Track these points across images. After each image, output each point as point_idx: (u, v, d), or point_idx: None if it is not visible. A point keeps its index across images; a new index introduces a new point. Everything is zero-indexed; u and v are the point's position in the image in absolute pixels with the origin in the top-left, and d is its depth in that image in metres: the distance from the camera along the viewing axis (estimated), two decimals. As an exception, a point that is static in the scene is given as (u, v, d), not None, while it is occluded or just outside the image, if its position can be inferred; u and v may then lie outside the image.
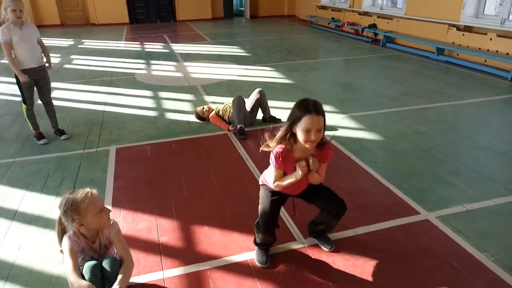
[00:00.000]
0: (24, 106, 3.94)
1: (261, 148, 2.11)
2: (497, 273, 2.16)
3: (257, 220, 2.25)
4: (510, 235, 2.48)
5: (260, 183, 2.30)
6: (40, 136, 4.05)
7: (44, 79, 3.92)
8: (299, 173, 1.97)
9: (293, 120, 1.92)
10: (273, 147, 2.03)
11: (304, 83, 6.18)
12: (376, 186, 3.08)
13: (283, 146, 1.99)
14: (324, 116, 1.91)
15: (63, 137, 4.12)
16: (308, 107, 1.88)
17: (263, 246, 2.31)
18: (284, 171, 2.05)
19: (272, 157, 2.03)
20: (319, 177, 2.08)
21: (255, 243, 2.33)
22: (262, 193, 2.25)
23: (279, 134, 2.01)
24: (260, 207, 2.20)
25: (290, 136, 1.98)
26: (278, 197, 2.18)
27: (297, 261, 2.29)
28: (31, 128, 4.07)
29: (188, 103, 5.25)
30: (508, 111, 4.86)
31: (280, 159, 1.99)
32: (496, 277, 2.13)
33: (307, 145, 1.92)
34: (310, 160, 1.98)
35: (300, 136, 1.91)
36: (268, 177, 2.17)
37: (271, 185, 2.13)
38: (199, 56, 8.52)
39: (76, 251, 1.92)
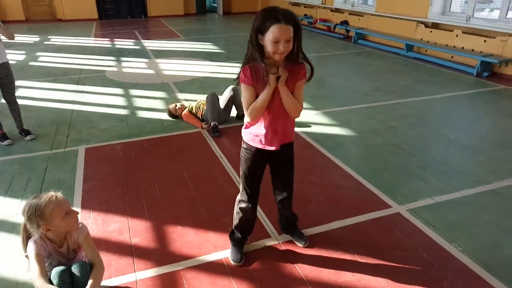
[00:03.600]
0: None
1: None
2: (464, 263, 2.23)
3: (238, 194, 2.23)
4: (477, 226, 2.57)
5: (242, 136, 2.12)
6: (3, 136, 3.87)
7: (6, 77, 3.74)
8: (271, 79, 1.82)
9: (261, 29, 1.74)
10: (242, 66, 1.90)
11: (277, 79, 6.17)
12: (349, 181, 3.12)
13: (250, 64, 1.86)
14: (295, 25, 1.74)
15: (28, 137, 3.95)
16: (276, 16, 1.70)
17: (238, 239, 2.28)
18: (255, 91, 1.89)
19: (241, 76, 1.87)
20: (295, 100, 1.91)
21: (231, 234, 2.31)
22: (241, 157, 2.14)
23: (247, 52, 1.85)
24: (242, 167, 2.14)
25: (257, 49, 1.81)
26: (258, 158, 2.09)
27: (271, 258, 2.29)
28: None
29: (160, 101, 5.16)
30: (474, 105, 5.03)
31: (249, 71, 1.85)
32: (464, 267, 2.20)
33: (275, 57, 1.78)
34: (280, 72, 1.83)
35: (269, 47, 1.76)
36: (245, 120, 2.04)
37: (248, 118, 1.95)
38: (171, 53, 8.38)
39: (42, 256, 1.84)
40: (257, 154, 2.08)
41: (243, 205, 2.20)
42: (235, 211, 2.28)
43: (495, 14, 6.50)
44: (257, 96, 1.90)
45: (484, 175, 3.20)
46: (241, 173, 2.17)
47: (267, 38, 1.75)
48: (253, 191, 2.19)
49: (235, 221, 2.28)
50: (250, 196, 2.18)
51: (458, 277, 2.13)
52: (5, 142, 3.83)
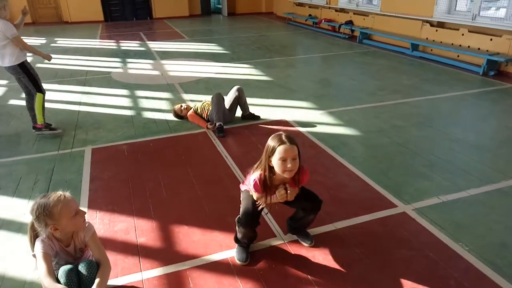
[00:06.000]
0: (40, 96, 3.92)
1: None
2: (471, 262, 2.21)
3: (238, 216, 2.22)
4: (483, 225, 2.55)
5: (241, 187, 2.28)
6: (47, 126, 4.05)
7: (19, 81, 3.87)
8: (277, 199, 2.07)
9: (269, 154, 1.98)
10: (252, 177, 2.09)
11: (282, 79, 6.19)
12: (354, 181, 3.12)
13: (261, 173, 2.04)
14: (297, 145, 1.98)
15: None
16: (281, 138, 1.96)
17: (244, 243, 2.29)
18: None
19: (251, 183, 2.07)
20: (295, 194, 2.13)
21: (236, 240, 2.31)
22: (244, 194, 2.23)
23: (259, 172, 2.05)
24: (242, 205, 2.19)
25: (268, 171, 2.03)
26: None
27: (277, 257, 2.29)
28: (40, 121, 3.99)
29: (165, 102, 5.18)
30: (480, 104, 5.00)
31: (259, 186, 2.05)
32: (471, 266, 2.19)
33: (285, 175, 1.98)
34: (289, 191, 2.06)
35: (277, 167, 1.97)
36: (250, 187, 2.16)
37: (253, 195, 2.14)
38: (176, 54, 8.42)
39: (50, 255, 1.86)
40: None
41: (244, 230, 2.19)
42: (236, 226, 2.25)
43: (501, 12, 6.45)
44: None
45: (491, 174, 3.18)
46: (240, 210, 2.19)
47: (275, 158, 1.97)
48: (251, 223, 2.18)
49: (237, 234, 2.28)
50: (252, 226, 2.19)
51: (464, 276, 2.12)
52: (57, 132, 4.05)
